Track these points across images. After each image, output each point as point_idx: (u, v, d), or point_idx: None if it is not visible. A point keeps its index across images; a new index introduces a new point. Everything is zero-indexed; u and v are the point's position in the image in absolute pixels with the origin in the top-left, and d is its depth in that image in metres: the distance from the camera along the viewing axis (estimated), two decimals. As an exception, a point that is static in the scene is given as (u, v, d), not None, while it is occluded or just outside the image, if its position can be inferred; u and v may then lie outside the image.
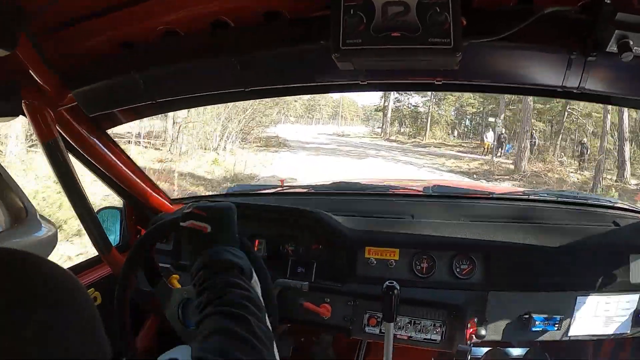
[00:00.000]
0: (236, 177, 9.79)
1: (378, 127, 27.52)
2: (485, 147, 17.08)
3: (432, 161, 14.80)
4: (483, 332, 1.24)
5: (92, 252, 1.36)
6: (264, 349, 0.59)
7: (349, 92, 1.99)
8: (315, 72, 0.90)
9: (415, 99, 23.71)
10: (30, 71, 0.90)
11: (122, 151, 1.36)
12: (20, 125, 6.43)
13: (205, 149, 11.99)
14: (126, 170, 1.37)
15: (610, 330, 1.25)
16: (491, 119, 18.22)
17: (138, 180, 1.44)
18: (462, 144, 20.64)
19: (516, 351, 1.49)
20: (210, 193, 3.02)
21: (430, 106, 23.16)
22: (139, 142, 10.77)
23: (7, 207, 0.98)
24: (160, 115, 9.71)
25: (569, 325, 1.24)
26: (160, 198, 1.53)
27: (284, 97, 14.18)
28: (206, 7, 0.82)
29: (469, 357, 1.22)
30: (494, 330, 1.26)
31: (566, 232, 1.32)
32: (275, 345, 0.64)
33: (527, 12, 0.72)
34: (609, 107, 10.77)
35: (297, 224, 1.42)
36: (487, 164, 14.15)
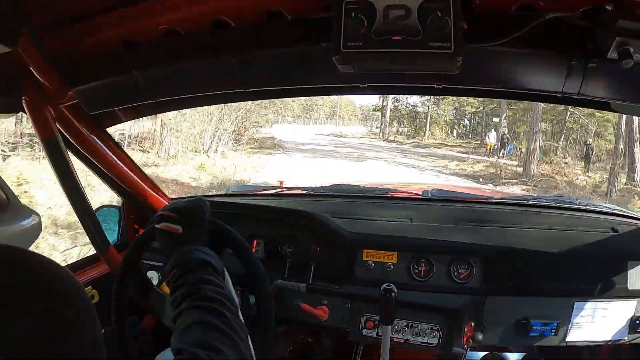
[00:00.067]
0: (223, 184, 9.07)
1: (376, 127, 27.43)
2: (488, 147, 17.03)
3: (435, 163, 14.58)
4: (480, 336, 1.23)
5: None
6: (241, 343, 0.61)
7: (349, 95, 2.00)
8: (316, 73, 0.90)
9: (413, 98, 23.72)
10: (31, 68, 0.89)
11: (122, 150, 1.36)
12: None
13: (195, 151, 11.61)
14: (125, 169, 1.37)
15: (607, 336, 1.25)
16: (495, 119, 18.15)
17: (137, 179, 1.43)
18: (462, 144, 20.54)
19: (513, 356, 1.49)
20: (210, 193, 3.02)
21: (429, 106, 23.02)
22: (128, 143, 10.48)
23: None
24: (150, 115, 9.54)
25: (567, 331, 1.24)
26: (159, 197, 1.53)
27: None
28: (207, 6, 0.82)
29: None
30: (491, 335, 1.26)
31: (564, 238, 1.32)
32: (250, 341, 0.65)
33: (528, 18, 0.72)
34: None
35: (295, 225, 1.42)
36: (493, 166, 13.91)
